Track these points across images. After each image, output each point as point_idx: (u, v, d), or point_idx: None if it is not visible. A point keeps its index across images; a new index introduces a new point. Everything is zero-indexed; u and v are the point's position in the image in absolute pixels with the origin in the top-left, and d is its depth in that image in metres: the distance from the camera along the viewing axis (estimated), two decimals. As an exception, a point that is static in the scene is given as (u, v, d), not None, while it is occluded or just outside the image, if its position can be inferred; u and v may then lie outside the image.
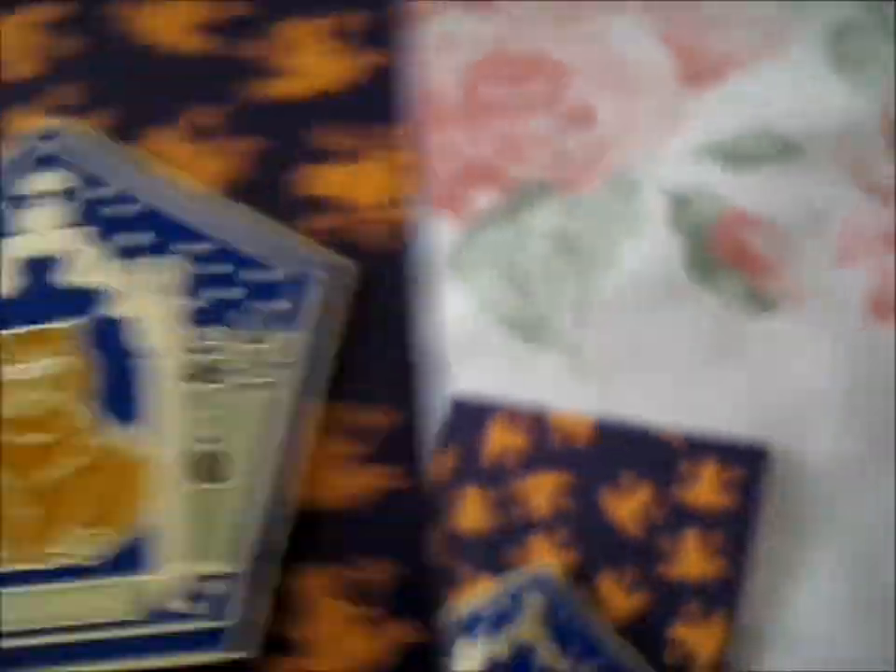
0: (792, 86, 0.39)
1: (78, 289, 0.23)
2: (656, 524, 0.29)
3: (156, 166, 0.24)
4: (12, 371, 0.22)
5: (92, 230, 0.23)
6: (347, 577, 0.21)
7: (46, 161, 0.24)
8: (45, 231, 0.24)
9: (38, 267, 0.23)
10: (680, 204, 0.36)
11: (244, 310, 0.22)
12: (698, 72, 0.40)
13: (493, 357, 0.35)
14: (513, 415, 0.32)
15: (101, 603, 0.21)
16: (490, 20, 0.44)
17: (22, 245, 0.24)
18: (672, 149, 0.38)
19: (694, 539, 0.28)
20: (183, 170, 0.24)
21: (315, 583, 0.21)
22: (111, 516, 0.21)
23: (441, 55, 0.43)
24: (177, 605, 0.20)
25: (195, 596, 0.20)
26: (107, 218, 0.23)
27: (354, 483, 0.22)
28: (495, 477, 0.31)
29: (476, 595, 0.28)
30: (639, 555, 0.28)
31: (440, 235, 0.38)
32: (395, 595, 0.20)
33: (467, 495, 0.30)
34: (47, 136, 0.24)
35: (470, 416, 0.32)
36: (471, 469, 0.31)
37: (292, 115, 0.24)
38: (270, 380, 0.22)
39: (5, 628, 0.21)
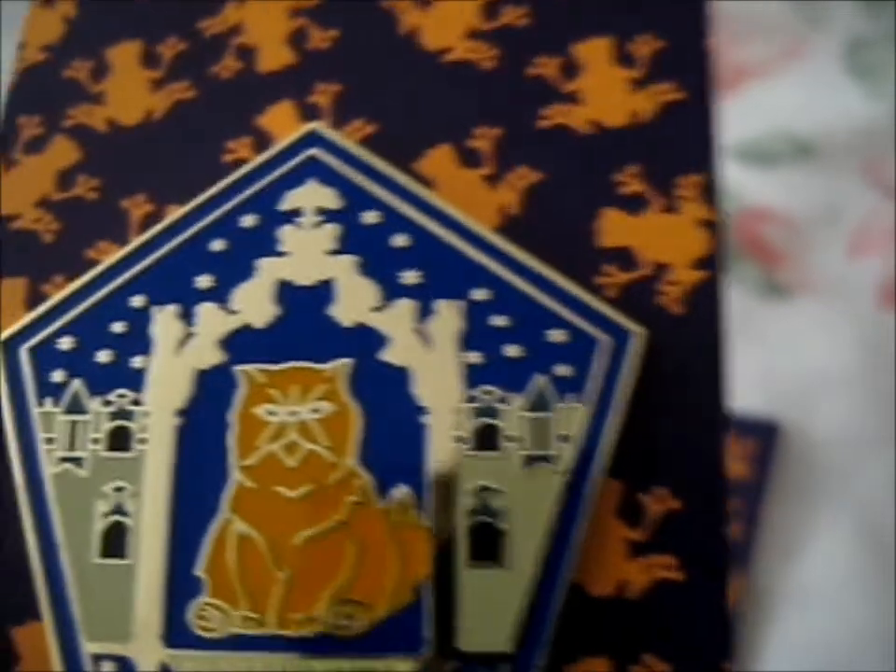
0: (810, 92, 0.42)
1: (341, 327, 0.20)
2: None
3: (427, 192, 0.21)
4: (268, 411, 0.20)
5: (358, 259, 0.20)
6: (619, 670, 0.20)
7: (305, 173, 0.21)
8: (305, 254, 0.20)
9: (296, 295, 0.20)
10: None
11: (523, 371, 0.20)
12: (721, 79, 0.44)
13: None
14: None
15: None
16: None
17: (280, 269, 0.20)
18: None
19: None
20: (458, 200, 0.21)
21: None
22: (365, 585, 0.19)
23: None
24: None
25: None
26: (375, 248, 0.20)
27: (627, 569, 0.20)
28: None
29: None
30: None
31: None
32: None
33: None
34: (306, 143, 0.21)
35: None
36: None
37: (581, 149, 0.22)
38: (552, 453, 0.20)
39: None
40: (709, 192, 0.21)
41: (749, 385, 0.36)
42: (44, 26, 0.23)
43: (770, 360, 0.37)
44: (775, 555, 0.33)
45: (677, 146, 0.21)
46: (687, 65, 0.22)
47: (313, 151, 0.21)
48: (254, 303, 0.20)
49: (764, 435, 0.34)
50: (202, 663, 0.19)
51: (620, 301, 0.21)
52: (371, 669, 0.19)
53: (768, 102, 0.43)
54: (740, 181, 0.40)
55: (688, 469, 0.20)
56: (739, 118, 0.42)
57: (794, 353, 0.37)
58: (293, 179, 0.21)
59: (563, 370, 0.20)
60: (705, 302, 0.21)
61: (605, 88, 0.22)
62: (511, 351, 0.20)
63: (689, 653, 0.20)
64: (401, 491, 0.20)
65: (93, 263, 0.21)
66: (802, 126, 0.42)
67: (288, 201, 0.21)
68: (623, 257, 0.21)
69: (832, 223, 0.40)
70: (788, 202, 0.40)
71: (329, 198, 0.21)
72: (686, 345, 0.21)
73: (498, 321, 0.20)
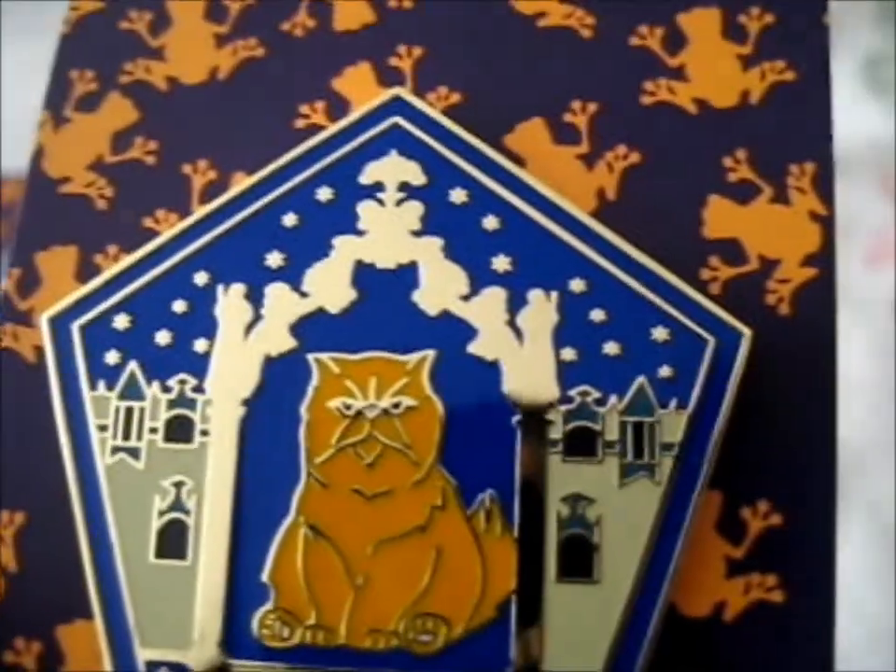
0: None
1: (425, 315, 0.18)
2: None
3: (519, 169, 0.19)
4: (347, 405, 0.18)
5: (444, 241, 0.19)
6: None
7: (387, 143, 0.19)
8: (386, 234, 0.18)
9: (376, 279, 0.18)
10: None
11: (623, 371, 0.19)
12: None
13: None
14: None
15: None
16: None
17: (358, 249, 0.19)
18: None
19: None
20: (551, 179, 0.19)
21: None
22: (445, 598, 0.18)
23: None
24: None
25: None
26: (462, 230, 0.19)
27: (725, 589, 0.19)
28: None
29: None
30: None
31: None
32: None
33: None
34: (388, 110, 0.19)
35: None
36: None
37: (686, 129, 0.20)
38: (653, 462, 0.18)
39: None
40: (823, 182, 0.20)
41: None
42: (99, -28, 0.21)
43: None
44: None
45: (790, 130, 0.20)
46: (801, 43, 0.20)
47: (395, 120, 0.19)
48: (329, 286, 0.18)
49: None
50: (266, 675, 0.17)
51: (724, 297, 0.19)
52: (449, 689, 0.18)
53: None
54: None
55: (795, 483, 0.19)
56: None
57: None
58: (374, 150, 0.19)
59: (666, 371, 0.18)
60: (816, 303, 0.19)
61: (712, 64, 0.20)
62: (610, 349, 0.18)
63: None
64: (487, 497, 0.18)
65: (151, 234, 0.19)
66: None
67: (368, 174, 0.19)
68: (730, 249, 0.19)
69: (849, 234, 0.40)
70: None
71: (412, 172, 0.19)
72: (796, 348, 0.19)
73: (597, 315, 0.18)
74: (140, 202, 0.20)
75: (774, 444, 0.19)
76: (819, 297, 0.19)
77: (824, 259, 0.19)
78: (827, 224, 0.19)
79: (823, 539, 0.19)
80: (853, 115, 0.42)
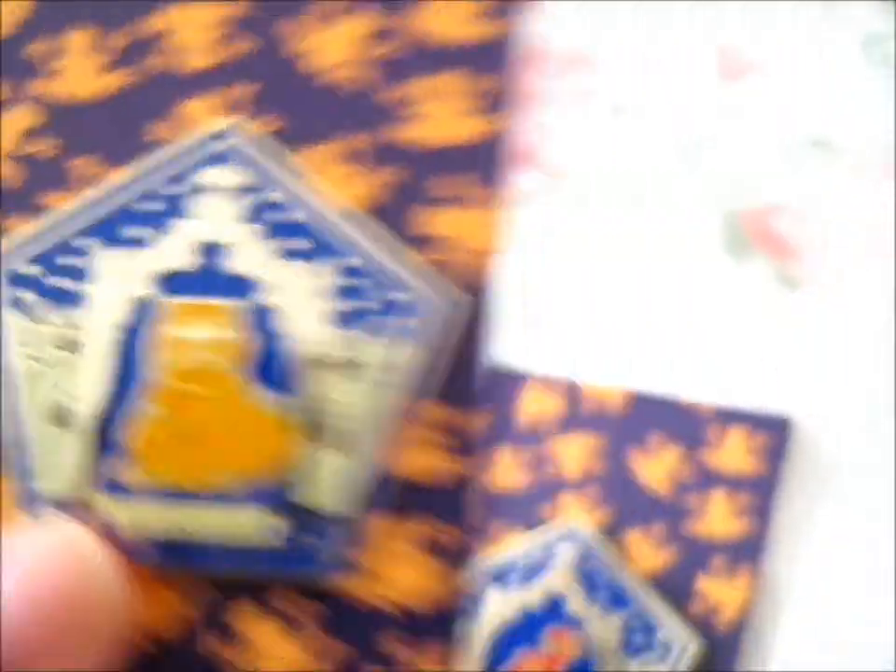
0: (830, 86, 0.42)
1: (241, 276, 0.26)
2: (684, 484, 0.32)
3: (314, 179, 0.27)
4: (181, 332, 0.26)
5: (258, 228, 0.26)
6: (418, 531, 0.27)
7: (220, 157, 0.26)
8: (217, 220, 0.26)
9: (208, 251, 0.26)
10: (718, 190, 0.40)
11: (377, 321, 0.27)
12: (739, 69, 0.43)
13: (531, 328, 0.37)
14: (547, 382, 0.35)
15: (232, 521, 0.26)
16: (534, 18, 0.45)
17: (196, 230, 0.26)
18: (711, 141, 0.41)
19: (721, 498, 0.31)
20: (333, 187, 0.27)
21: (392, 530, 0.27)
22: (249, 460, 0.26)
23: None
24: (288, 532, 0.26)
25: (305, 527, 0.26)
26: (272, 221, 0.26)
27: (430, 461, 0.27)
28: (528, 439, 0.34)
29: (510, 547, 0.31)
30: (667, 513, 0.31)
31: None
32: (447, 552, 0.26)
33: (502, 455, 0.34)
34: (222, 133, 0.27)
35: (506, 382, 0.35)
36: (506, 431, 0.34)
37: (421, 158, 0.27)
38: (392, 378, 0.27)
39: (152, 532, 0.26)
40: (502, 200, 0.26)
41: (758, 380, 0.36)
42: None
43: (785, 356, 0.36)
44: (785, 554, 0.32)
45: (487, 163, 0.26)
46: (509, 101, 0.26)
47: (225, 139, 0.27)
48: (177, 253, 0.26)
49: (777, 430, 0.33)
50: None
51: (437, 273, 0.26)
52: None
53: (783, 93, 0.43)
54: (756, 174, 0.40)
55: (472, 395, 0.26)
56: (757, 110, 0.42)
57: (810, 351, 0.36)
58: (207, 159, 0.27)
59: (407, 320, 0.26)
60: (490, 278, 0.26)
61: (445, 115, 0.27)
62: (370, 305, 0.26)
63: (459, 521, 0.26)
64: (277, 396, 0.26)
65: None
66: (821, 120, 0.41)
67: (206, 175, 0.26)
68: (438, 242, 0.26)
69: (850, 220, 0.39)
70: (804, 197, 0.40)
71: (237, 177, 0.27)
72: (476, 308, 0.25)
73: (360, 282, 0.26)
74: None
75: (460, 373, 0.26)
76: (489, 274, 0.24)
77: (494, 249, 0.25)
78: (499, 228, 0.22)
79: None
80: (853, 95, 0.42)
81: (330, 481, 0.23)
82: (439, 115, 0.24)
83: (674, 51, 0.43)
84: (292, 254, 0.24)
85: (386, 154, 0.24)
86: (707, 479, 0.32)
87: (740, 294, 0.37)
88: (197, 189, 0.25)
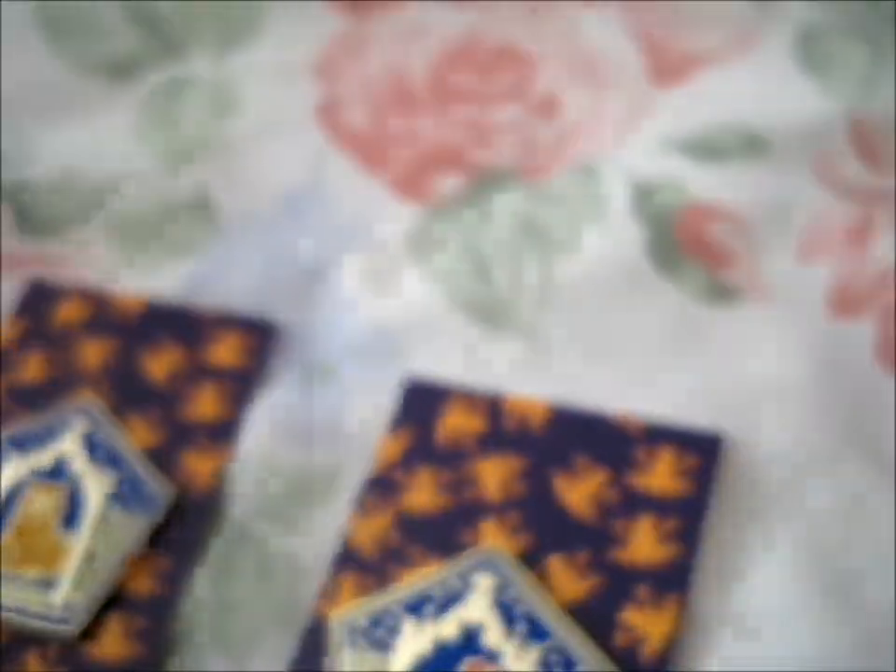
0: (761, 84, 0.40)
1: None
2: (609, 508, 0.30)
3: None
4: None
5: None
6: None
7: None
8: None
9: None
10: (644, 194, 0.37)
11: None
12: (667, 67, 0.41)
13: (451, 341, 0.35)
14: (469, 398, 0.33)
15: None
16: (463, 11, 0.43)
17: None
18: (637, 140, 0.39)
19: (648, 523, 0.30)
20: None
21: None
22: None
23: (413, 42, 0.42)
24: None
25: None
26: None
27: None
28: (448, 459, 0.32)
29: (426, 576, 0.29)
30: (591, 539, 0.30)
31: (402, 219, 0.37)
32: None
33: (420, 476, 0.32)
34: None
35: (426, 398, 0.33)
36: (425, 451, 0.32)
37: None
38: None
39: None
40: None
41: (691, 396, 0.33)
42: None
43: (715, 369, 0.34)
44: (714, 579, 0.30)
45: None
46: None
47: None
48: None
49: (706, 449, 0.31)
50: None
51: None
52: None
53: (716, 92, 0.40)
54: (683, 175, 0.38)
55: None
56: (684, 107, 0.39)
57: (741, 361, 0.34)
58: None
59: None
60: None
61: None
62: None
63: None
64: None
65: None
66: (752, 119, 0.39)
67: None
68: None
69: (782, 222, 0.37)
70: (735, 198, 0.37)
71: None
72: None
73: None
74: None
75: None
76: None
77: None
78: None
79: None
80: (788, 93, 0.39)
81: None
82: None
83: (603, 51, 0.42)
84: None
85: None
86: (634, 502, 0.30)
87: (670, 304, 0.35)
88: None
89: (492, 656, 0.27)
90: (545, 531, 0.30)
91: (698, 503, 0.30)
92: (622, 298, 0.35)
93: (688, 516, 0.29)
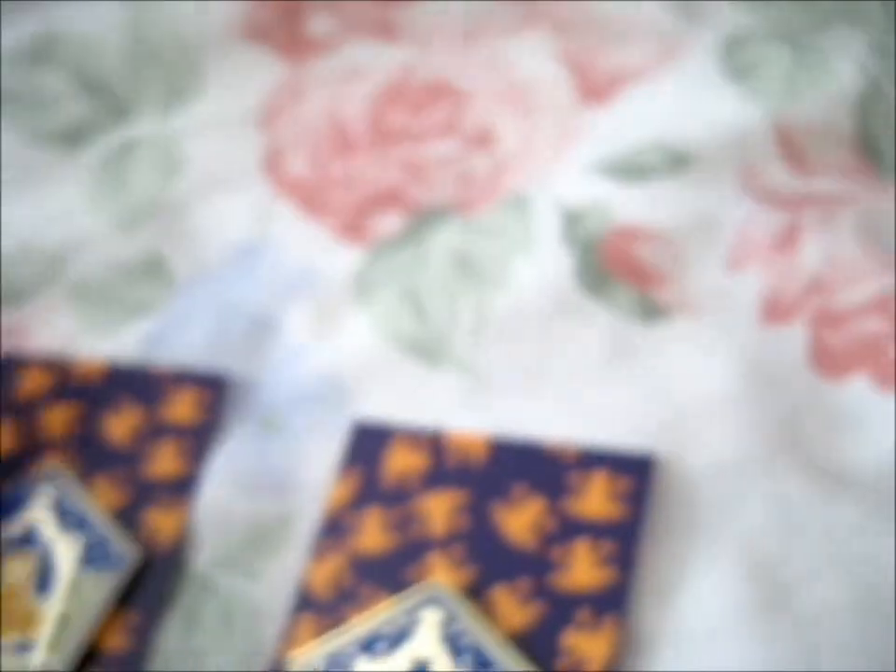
0: (685, 97, 0.40)
1: None
2: (548, 536, 0.31)
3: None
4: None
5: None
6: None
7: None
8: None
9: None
10: (572, 220, 0.38)
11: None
12: (594, 88, 0.42)
13: (395, 381, 0.36)
14: (412, 438, 0.34)
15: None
16: (396, 47, 0.44)
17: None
18: (565, 166, 0.39)
19: (584, 548, 0.31)
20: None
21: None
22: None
23: (349, 84, 0.43)
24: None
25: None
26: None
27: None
28: (394, 498, 0.33)
29: (377, 613, 0.30)
30: (532, 568, 0.31)
31: (346, 264, 0.39)
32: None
33: (368, 516, 0.33)
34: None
35: (371, 441, 0.34)
36: (373, 492, 0.33)
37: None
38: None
39: None
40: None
41: (626, 419, 0.33)
42: None
43: (648, 390, 0.34)
44: (653, 599, 0.30)
45: None
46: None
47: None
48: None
49: (639, 471, 0.32)
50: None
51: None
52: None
53: (641, 110, 0.40)
54: (608, 198, 0.38)
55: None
56: (610, 129, 0.40)
57: (674, 379, 0.34)
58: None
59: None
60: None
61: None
62: None
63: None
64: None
65: None
66: (676, 134, 0.39)
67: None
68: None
69: (709, 236, 0.36)
70: (661, 217, 0.37)
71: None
72: None
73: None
74: None
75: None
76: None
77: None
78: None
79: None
80: (711, 104, 0.39)
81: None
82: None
83: (534, 77, 0.42)
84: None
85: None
86: (571, 528, 0.31)
87: (603, 328, 0.36)
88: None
89: (443, 689, 0.28)
90: (488, 562, 0.31)
91: (633, 525, 0.30)
92: (555, 326, 0.36)
93: (623, 539, 0.30)
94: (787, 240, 0.37)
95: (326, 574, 0.32)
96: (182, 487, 0.36)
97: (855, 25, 0.43)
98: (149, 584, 0.34)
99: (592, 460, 0.32)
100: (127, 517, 0.35)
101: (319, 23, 0.47)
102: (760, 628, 0.29)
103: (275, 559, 0.33)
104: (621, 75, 0.42)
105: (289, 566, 0.33)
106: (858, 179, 0.39)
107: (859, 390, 0.33)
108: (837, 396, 0.33)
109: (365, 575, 0.32)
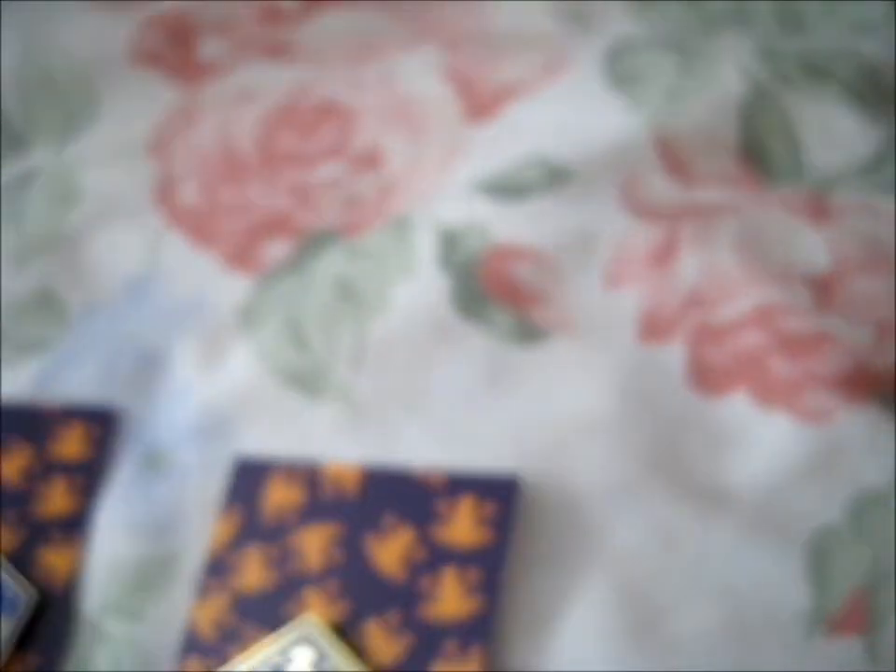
0: (568, 110, 0.39)
1: None
2: (417, 566, 0.31)
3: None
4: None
5: None
6: None
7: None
8: None
9: None
10: (451, 242, 0.37)
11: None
12: (480, 104, 0.41)
13: (276, 414, 0.36)
14: (289, 471, 0.34)
15: None
16: (287, 69, 0.43)
17: None
18: (446, 187, 0.39)
19: (452, 577, 0.31)
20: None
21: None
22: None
23: (239, 107, 0.43)
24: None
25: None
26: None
27: None
28: (273, 534, 0.33)
29: (253, 653, 0.31)
30: (401, 599, 0.31)
31: (233, 294, 0.38)
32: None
33: (249, 554, 0.33)
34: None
35: (251, 476, 0.34)
36: (253, 529, 0.33)
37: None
38: None
39: None
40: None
41: (502, 442, 0.33)
42: None
43: (524, 411, 0.34)
44: (524, 628, 0.30)
45: None
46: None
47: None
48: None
49: (504, 495, 0.31)
50: None
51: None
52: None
53: (524, 125, 0.39)
54: (486, 218, 0.37)
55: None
56: (492, 146, 0.39)
57: (550, 401, 0.34)
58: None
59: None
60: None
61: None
62: None
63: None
64: None
65: None
66: (557, 149, 0.38)
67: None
68: None
69: (587, 254, 0.36)
70: (539, 236, 0.36)
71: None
72: None
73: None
74: None
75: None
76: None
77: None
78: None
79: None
80: (593, 116, 0.38)
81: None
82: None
83: (421, 95, 0.42)
84: None
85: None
86: (439, 557, 0.31)
87: (480, 351, 0.36)
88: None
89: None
90: (361, 596, 0.31)
91: (498, 551, 0.30)
92: (432, 350, 0.36)
93: (489, 565, 0.30)
94: (665, 254, 0.37)
95: (210, 615, 0.32)
96: (74, 525, 0.36)
97: (743, 29, 0.42)
98: (46, 627, 0.34)
99: (459, 486, 0.32)
100: (20, 559, 0.35)
101: (211, 46, 0.46)
102: (630, 657, 0.28)
103: (163, 601, 0.33)
104: (506, 89, 0.42)
105: (177, 607, 0.33)
106: (740, 188, 0.38)
107: (739, 406, 0.33)
108: (717, 413, 0.33)
109: (247, 614, 0.32)
